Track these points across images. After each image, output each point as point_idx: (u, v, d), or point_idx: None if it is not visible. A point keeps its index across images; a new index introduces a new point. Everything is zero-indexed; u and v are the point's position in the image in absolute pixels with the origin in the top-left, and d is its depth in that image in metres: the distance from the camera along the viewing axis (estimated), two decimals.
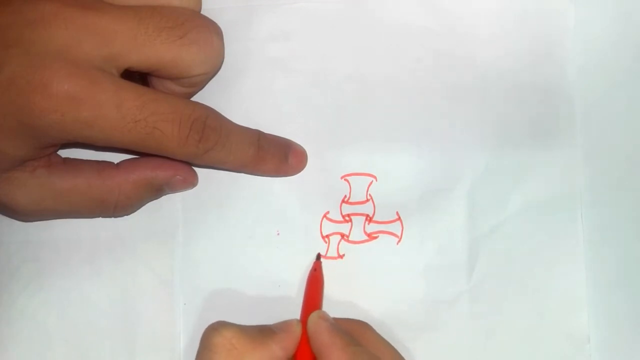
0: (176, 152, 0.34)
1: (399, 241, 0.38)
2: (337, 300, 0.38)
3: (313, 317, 0.34)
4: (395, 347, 0.35)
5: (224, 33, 0.36)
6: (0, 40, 0.32)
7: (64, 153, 0.37)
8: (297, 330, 0.34)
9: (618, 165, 0.38)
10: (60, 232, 0.39)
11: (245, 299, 0.38)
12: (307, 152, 0.38)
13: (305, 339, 0.34)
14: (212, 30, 0.35)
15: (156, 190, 0.37)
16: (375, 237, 0.38)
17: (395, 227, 0.38)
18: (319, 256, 0.38)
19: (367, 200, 0.38)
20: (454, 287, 0.38)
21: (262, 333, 0.34)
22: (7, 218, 0.38)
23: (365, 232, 0.38)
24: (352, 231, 0.38)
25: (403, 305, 0.37)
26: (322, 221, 0.38)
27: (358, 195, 0.38)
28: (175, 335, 0.38)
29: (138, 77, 0.35)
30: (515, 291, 0.38)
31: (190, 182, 0.38)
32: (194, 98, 0.38)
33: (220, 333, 0.33)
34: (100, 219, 0.38)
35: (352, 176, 0.38)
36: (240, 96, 0.39)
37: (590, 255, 0.38)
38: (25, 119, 0.32)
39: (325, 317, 0.34)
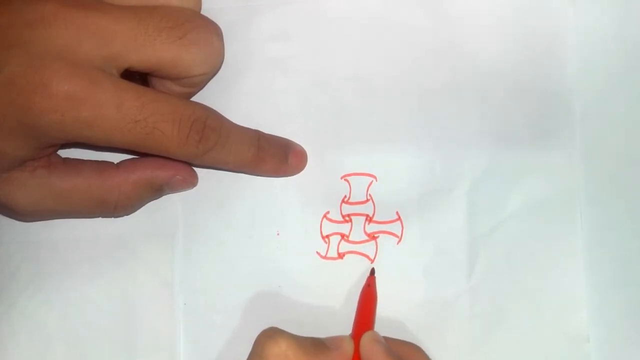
0: (176, 152, 0.34)
1: (399, 241, 0.38)
2: (337, 301, 0.38)
3: (367, 338, 0.34)
4: None
5: (224, 33, 0.36)
6: (0, 40, 0.32)
7: (64, 153, 0.37)
8: (349, 349, 0.33)
9: (617, 165, 0.38)
10: (60, 232, 0.39)
11: (245, 299, 0.38)
12: (307, 152, 0.38)
13: (358, 357, 0.33)
14: (212, 31, 0.35)
15: (156, 190, 0.37)
16: (376, 237, 0.38)
17: (395, 227, 0.38)
18: (373, 271, 0.37)
19: (367, 200, 0.38)
20: (454, 287, 0.38)
21: (316, 348, 0.33)
22: (7, 218, 0.38)
23: (365, 232, 0.38)
24: (352, 231, 0.38)
25: (403, 305, 0.37)
26: (322, 221, 0.38)
27: (358, 195, 0.38)
28: (175, 335, 0.38)
29: (138, 77, 0.35)
30: (515, 291, 0.38)
31: (190, 182, 0.38)
32: (194, 98, 0.38)
33: (277, 342, 0.32)
34: (100, 219, 0.38)
35: (352, 176, 0.38)
36: (240, 96, 0.39)
37: (590, 254, 0.38)
38: (25, 119, 0.32)
39: (379, 340, 0.34)
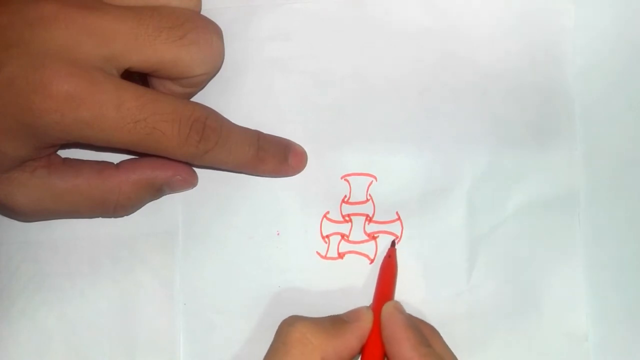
0: (176, 152, 0.34)
1: (399, 241, 0.38)
2: (337, 301, 0.38)
3: (389, 307, 0.34)
4: None
5: (224, 33, 0.36)
6: (0, 41, 0.32)
7: (64, 153, 0.37)
8: (369, 319, 0.34)
9: (617, 165, 0.38)
10: (60, 232, 0.39)
11: (245, 299, 0.38)
12: (307, 152, 0.38)
13: (377, 327, 0.34)
14: (211, 31, 0.35)
15: (156, 190, 0.37)
16: (376, 237, 0.38)
17: (395, 227, 0.38)
18: (393, 243, 0.38)
19: (367, 200, 0.38)
20: (454, 287, 0.38)
21: (335, 324, 0.34)
22: (7, 218, 0.38)
23: (365, 232, 0.38)
24: (352, 231, 0.38)
25: (403, 305, 0.37)
26: (322, 221, 0.38)
27: (358, 195, 0.38)
28: (175, 335, 0.38)
29: (138, 77, 0.35)
30: (515, 291, 0.38)
31: (190, 182, 0.38)
32: (194, 98, 0.38)
33: (296, 328, 0.33)
34: (100, 219, 0.38)
35: (352, 176, 0.38)
36: (240, 96, 0.39)
37: (589, 254, 0.38)
38: (25, 119, 0.32)
39: (400, 309, 0.35)
